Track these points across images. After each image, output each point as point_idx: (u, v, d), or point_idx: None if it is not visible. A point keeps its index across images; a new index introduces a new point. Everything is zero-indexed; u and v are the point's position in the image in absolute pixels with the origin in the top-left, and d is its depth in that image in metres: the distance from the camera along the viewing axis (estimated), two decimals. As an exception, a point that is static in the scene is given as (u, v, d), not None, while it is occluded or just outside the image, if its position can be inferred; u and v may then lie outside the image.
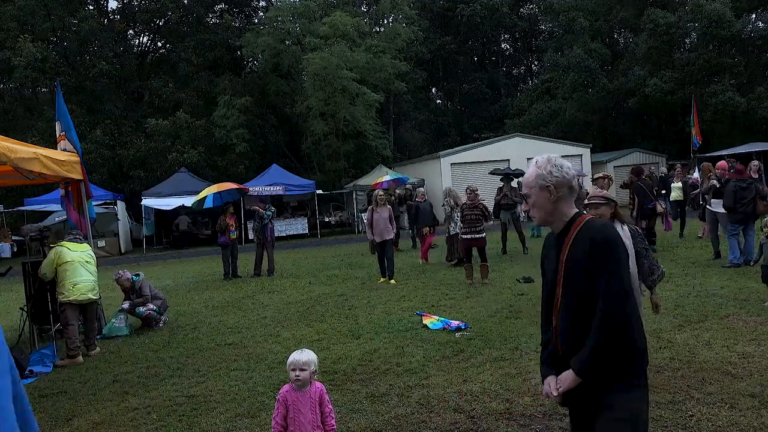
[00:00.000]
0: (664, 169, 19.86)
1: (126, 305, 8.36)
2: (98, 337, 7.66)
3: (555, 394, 2.44)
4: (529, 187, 2.56)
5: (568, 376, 2.40)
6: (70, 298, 6.99)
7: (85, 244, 7.47)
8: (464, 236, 9.85)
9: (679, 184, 14.33)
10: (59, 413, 5.05)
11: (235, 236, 12.91)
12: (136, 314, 8.34)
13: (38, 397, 5.55)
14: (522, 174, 17.47)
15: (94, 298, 7.23)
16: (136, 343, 7.47)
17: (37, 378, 6.24)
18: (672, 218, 14.35)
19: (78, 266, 7.09)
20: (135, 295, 8.43)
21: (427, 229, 13.32)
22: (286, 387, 3.24)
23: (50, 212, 21.29)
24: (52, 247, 7.25)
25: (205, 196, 13.93)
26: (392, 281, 10.48)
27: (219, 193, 14.07)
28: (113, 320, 8.20)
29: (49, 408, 5.21)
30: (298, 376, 3.18)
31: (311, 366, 3.19)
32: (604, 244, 2.34)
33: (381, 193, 11.13)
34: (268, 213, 13.07)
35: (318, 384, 3.27)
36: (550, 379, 2.48)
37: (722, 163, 10.89)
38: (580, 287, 2.39)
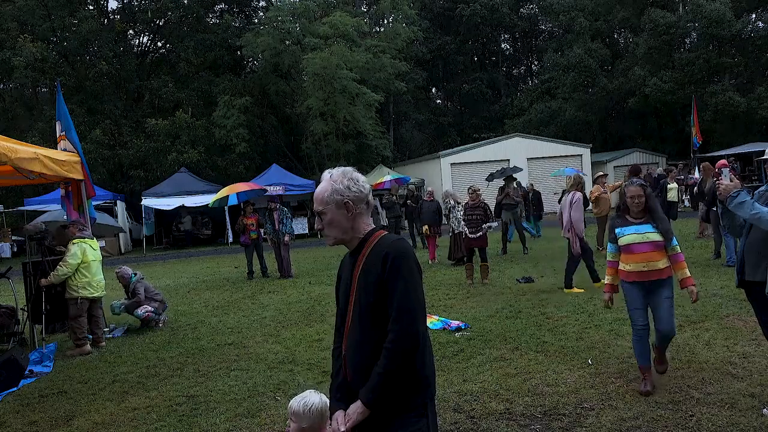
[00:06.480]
0: (660, 170, 19.73)
1: (124, 301, 8.42)
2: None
3: (342, 429, 2.15)
4: (323, 204, 2.26)
5: (356, 408, 2.15)
6: (95, 294, 7.26)
7: (95, 241, 7.64)
8: (470, 236, 9.85)
9: (674, 185, 14.25)
10: (59, 413, 5.05)
11: (255, 236, 12.74)
12: (134, 315, 8.34)
13: (38, 397, 5.54)
14: (518, 171, 17.52)
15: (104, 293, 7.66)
16: (136, 343, 7.47)
17: (37, 378, 6.23)
18: (672, 219, 14.33)
19: (98, 264, 7.39)
20: (130, 295, 8.43)
21: (427, 228, 13.15)
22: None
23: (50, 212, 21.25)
24: (74, 242, 7.17)
25: (227, 195, 14.15)
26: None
27: (237, 193, 14.20)
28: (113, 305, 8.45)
29: (49, 408, 5.20)
30: (288, 426, 2.69)
31: (303, 422, 2.56)
32: (397, 257, 2.13)
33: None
34: (286, 213, 12.61)
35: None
36: (338, 414, 2.20)
37: (723, 162, 10.86)
38: (371, 306, 2.16)
